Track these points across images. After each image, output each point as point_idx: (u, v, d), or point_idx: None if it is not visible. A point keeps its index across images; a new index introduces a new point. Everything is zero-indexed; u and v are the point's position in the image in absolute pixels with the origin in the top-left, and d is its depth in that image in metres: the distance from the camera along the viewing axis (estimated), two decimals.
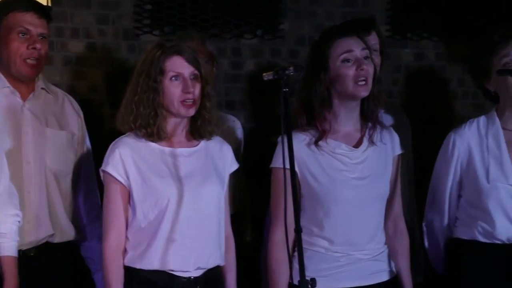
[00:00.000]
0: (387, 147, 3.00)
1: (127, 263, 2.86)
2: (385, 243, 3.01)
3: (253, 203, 4.07)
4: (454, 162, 3.18)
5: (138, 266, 2.84)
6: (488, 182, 3.11)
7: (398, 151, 3.04)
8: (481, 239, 3.13)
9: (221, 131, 3.09)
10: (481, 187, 3.12)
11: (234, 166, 3.03)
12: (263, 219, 3.50)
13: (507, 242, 3.11)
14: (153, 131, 2.86)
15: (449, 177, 3.20)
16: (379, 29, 3.60)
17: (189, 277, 2.85)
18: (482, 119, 3.21)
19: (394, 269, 3.03)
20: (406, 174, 3.57)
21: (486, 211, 3.11)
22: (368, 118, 2.99)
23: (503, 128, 3.17)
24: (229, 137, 3.49)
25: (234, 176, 3.57)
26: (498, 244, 3.11)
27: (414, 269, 3.26)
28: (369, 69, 2.91)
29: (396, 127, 3.17)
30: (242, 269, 3.14)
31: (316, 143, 2.94)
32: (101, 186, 3.05)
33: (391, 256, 3.02)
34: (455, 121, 4.65)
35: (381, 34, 3.58)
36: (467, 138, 3.18)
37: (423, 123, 4.26)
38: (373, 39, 3.45)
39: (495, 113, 3.19)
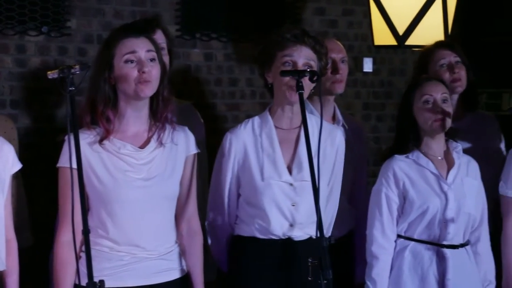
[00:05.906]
0: (179, 148, 2.99)
1: None
2: (176, 242, 3.00)
3: (37, 205, 3.95)
4: (231, 161, 3.23)
5: None
6: (263, 180, 3.18)
7: (193, 151, 3.04)
8: (259, 235, 3.19)
9: None
10: (256, 185, 3.18)
11: (16, 167, 2.90)
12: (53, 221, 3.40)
13: (283, 237, 3.19)
14: None
15: (227, 176, 3.24)
16: (165, 28, 3.60)
17: None
18: (256, 119, 3.28)
19: (185, 267, 3.03)
20: (200, 174, 3.60)
21: (262, 208, 3.17)
22: (157, 118, 2.97)
23: (276, 127, 3.25)
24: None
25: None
26: (274, 239, 3.18)
27: (207, 268, 3.29)
28: (152, 71, 2.89)
29: (190, 127, 3.18)
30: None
31: (100, 142, 2.89)
32: None
33: (184, 255, 3.03)
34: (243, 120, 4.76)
35: (168, 33, 3.58)
36: (243, 137, 3.23)
37: (212, 123, 4.31)
38: (160, 38, 3.45)
39: (268, 113, 3.27)
